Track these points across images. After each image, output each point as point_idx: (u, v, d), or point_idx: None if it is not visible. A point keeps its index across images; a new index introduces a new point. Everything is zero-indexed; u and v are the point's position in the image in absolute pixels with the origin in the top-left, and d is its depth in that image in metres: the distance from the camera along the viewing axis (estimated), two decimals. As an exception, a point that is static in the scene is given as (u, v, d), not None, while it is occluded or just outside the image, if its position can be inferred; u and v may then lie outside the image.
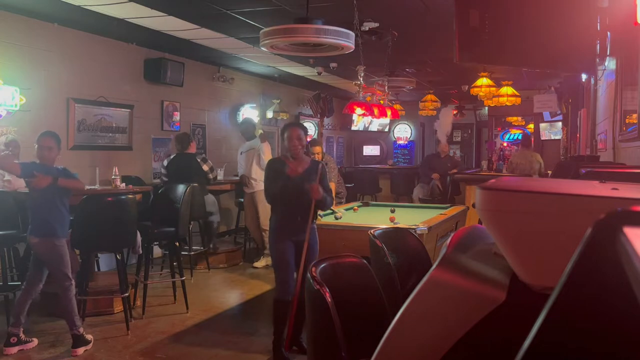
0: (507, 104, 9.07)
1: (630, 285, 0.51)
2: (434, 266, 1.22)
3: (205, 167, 6.56)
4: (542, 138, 13.28)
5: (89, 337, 4.16)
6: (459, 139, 15.22)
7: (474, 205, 1.63)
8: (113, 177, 5.51)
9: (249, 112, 9.62)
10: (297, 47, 4.53)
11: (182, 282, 5.13)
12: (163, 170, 6.55)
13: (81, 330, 4.06)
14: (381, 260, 2.50)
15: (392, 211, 5.87)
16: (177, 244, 5.31)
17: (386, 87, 7.86)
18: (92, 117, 6.56)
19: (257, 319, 4.99)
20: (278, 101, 10.52)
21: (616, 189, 1.14)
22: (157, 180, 7.12)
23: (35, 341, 4.16)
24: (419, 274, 1.52)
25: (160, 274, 6.26)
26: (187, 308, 4.99)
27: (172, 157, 6.58)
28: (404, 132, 15.10)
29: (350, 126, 13.59)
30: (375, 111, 6.81)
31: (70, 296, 4.03)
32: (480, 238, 1.43)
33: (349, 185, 10.43)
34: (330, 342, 1.62)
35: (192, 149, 6.62)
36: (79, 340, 4.03)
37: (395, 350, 1.21)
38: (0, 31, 5.47)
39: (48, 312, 4.74)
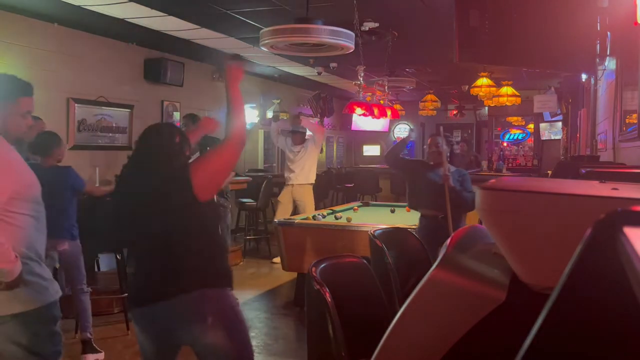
0: (507, 104, 9.06)
1: (630, 285, 0.51)
2: (434, 266, 1.22)
3: None
4: (542, 138, 13.27)
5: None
6: (459, 139, 15.21)
7: (474, 205, 1.62)
8: (115, 176, 5.51)
9: (249, 112, 9.62)
10: (297, 47, 4.53)
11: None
12: None
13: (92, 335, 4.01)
14: (381, 260, 2.50)
15: (392, 211, 5.88)
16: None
17: (386, 87, 7.86)
18: (92, 117, 6.56)
19: (256, 319, 4.99)
20: (278, 101, 10.52)
21: (616, 189, 1.14)
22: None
23: None
24: (419, 274, 1.52)
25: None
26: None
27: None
28: (404, 132, 15.09)
29: (350, 126, 13.58)
30: (375, 111, 6.81)
31: (89, 297, 4.07)
32: (480, 238, 1.43)
33: (349, 185, 10.44)
34: (330, 342, 1.62)
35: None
36: (90, 346, 3.95)
37: (395, 350, 1.21)
38: (0, 31, 5.47)
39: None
